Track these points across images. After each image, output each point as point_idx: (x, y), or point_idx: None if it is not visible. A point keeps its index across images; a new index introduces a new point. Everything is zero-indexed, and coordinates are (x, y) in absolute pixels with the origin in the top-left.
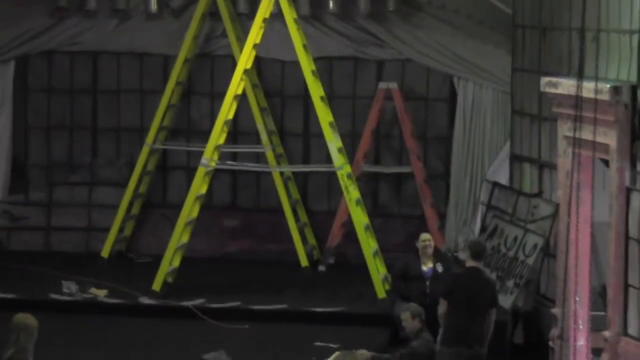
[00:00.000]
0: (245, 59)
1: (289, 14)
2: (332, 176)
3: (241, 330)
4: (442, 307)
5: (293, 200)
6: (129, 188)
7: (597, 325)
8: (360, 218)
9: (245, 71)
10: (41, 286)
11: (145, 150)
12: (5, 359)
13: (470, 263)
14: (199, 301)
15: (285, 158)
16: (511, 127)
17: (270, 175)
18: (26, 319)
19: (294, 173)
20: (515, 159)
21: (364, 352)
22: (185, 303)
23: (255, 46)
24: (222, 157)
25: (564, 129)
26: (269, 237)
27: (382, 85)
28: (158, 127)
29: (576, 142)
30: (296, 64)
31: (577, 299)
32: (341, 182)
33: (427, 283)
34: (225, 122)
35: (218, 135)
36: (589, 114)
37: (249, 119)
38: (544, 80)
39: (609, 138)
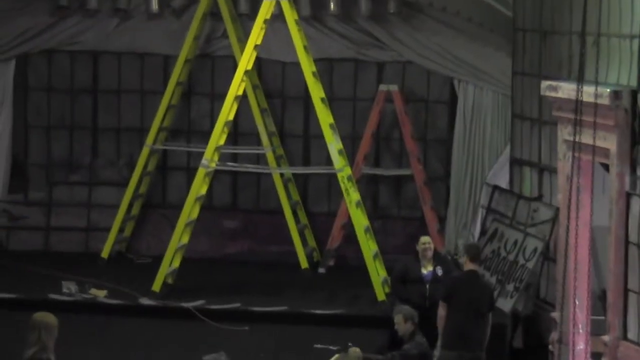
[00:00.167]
0: (246, 60)
1: (290, 15)
2: (332, 178)
3: (241, 332)
4: (441, 311)
5: (293, 201)
6: (129, 188)
7: (596, 330)
8: (360, 220)
9: (246, 72)
10: (40, 286)
11: (145, 151)
12: (28, 357)
13: (468, 266)
14: (198, 302)
15: (286, 159)
16: (511, 130)
17: (271, 177)
18: (46, 317)
19: (294, 174)
20: (516, 163)
21: (356, 350)
22: (185, 304)
23: (256, 47)
24: (223, 158)
25: (564, 133)
26: (269, 239)
27: (383, 87)
28: (158, 127)
29: (576, 146)
30: (297, 65)
31: (577, 302)
32: (341, 184)
33: (427, 286)
34: (226, 123)
35: (218, 136)
36: (589, 118)
37: (250, 120)
38: (545, 84)
39: (609, 142)
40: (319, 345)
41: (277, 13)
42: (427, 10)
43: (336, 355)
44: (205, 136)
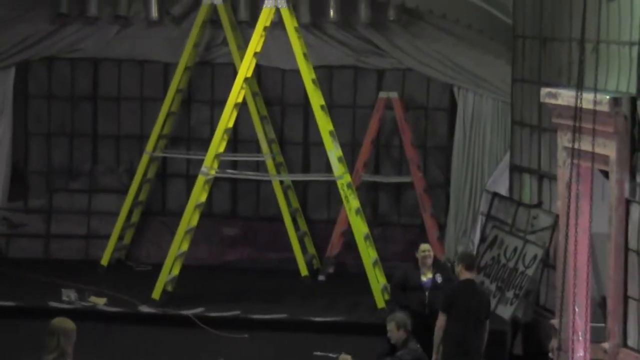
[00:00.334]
0: (245, 67)
1: (290, 23)
2: (332, 185)
3: (240, 339)
4: (440, 321)
5: (293, 209)
6: (129, 196)
7: (596, 337)
8: (360, 227)
9: (246, 79)
10: (40, 294)
11: (145, 158)
12: None
13: (465, 275)
14: (198, 310)
15: (285, 167)
16: (511, 137)
17: (270, 184)
18: (64, 322)
19: (293, 182)
20: (515, 170)
21: (347, 358)
22: (184, 312)
23: (255, 54)
24: (222, 165)
25: (564, 140)
26: (269, 246)
27: (383, 94)
28: (158, 134)
29: (576, 153)
30: (296, 72)
31: (577, 310)
32: (341, 192)
33: (427, 293)
34: (226, 130)
35: (218, 143)
36: (588, 125)
37: (249, 128)
38: (544, 91)
39: (609, 149)
40: (318, 353)
41: (277, 20)
42: (426, 18)
43: None
44: (205, 143)
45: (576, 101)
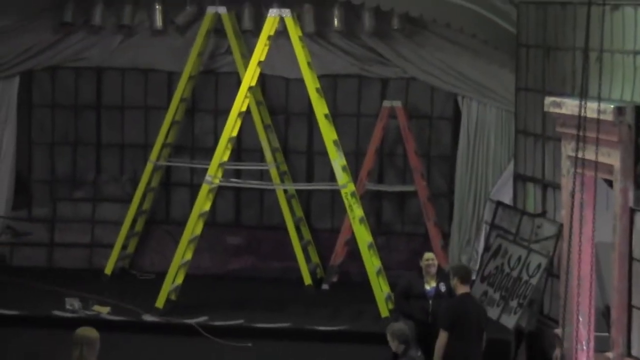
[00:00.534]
0: (249, 76)
1: (294, 32)
2: (335, 194)
3: (244, 348)
4: (442, 339)
5: (297, 218)
6: (133, 204)
7: (600, 346)
8: (363, 236)
9: (250, 88)
10: (44, 302)
11: (149, 167)
12: None
13: (461, 289)
14: (202, 319)
15: (289, 176)
16: (515, 146)
17: (274, 193)
18: (88, 331)
19: (297, 191)
20: (519, 179)
21: None
22: (188, 320)
23: (259, 63)
24: (226, 174)
25: (568, 149)
26: (273, 255)
27: (386, 103)
28: (162, 143)
29: (580, 162)
30: (301, 81)
31: (580, 319)
32: (345, 200)
33: (430, 302)
34: (230, 139)
35: (222, 152)
36: (592, 134)
37: (253, 136)
38: (548, 100)
39: (613, 158)
40: None
41: (281, 29)
42: (430, 27)
43: None
44: (209, 152)
45: (580, 110)
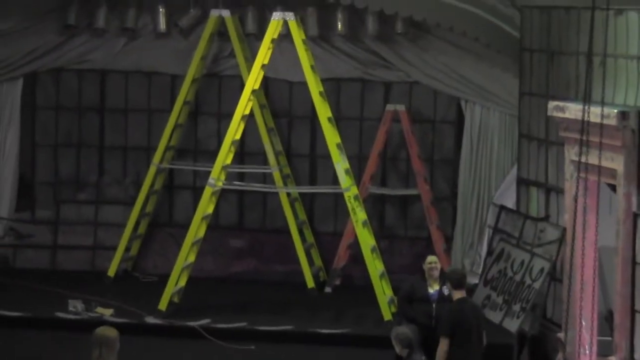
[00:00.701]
0: (253, 80)
1: (298, 35)
2: (339, 197)
3: (247, 351)
4: (443, 346)
5: (300, 221)
6: (136, 207)
7: (603, 351)
8: (366, 240)
9: (253, 91)
10: (47, 304)
11: (152, 170)
12: None
13: (456, 294)
14: (204, 321)
15: (292, 179)
16: (518, 150)
17: (277, 196)
18: (106, 331)
19: (300, 194)
20: (522, 183)
21: None
22: (191, 323)
23: (263, 67)
24: (229, 177)
25: (571, 153)
26: (275, 258)
27: (390, 107)
28: (165, 146)
29: (583, 167)
30: (304, 84)
31: (583, 323)
32: (348, 204)
33: (433, 305)
34: (233, 142)
35: (225, 155)
36: (596, 139)
37: (257, 140)
38: (552, 104)
39: (616, 163)
40: None
41: (285, 33)
42: (434, 31)
43: None
44: (212, 155)
45: (583, 115)
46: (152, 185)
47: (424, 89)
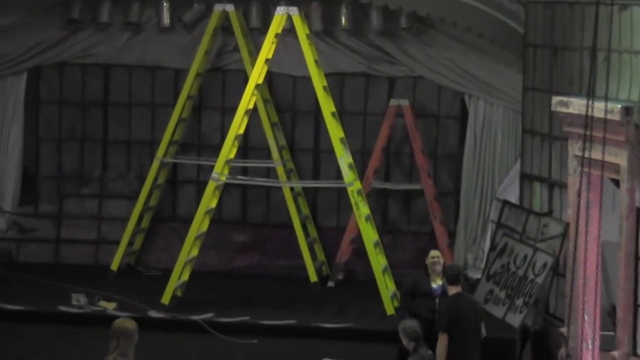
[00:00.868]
0: (257, 74)
1: (301, 30)
2: (342, 192)
3: (250, 345)
4: (443, 341)
5: (303, 215)
6: (139, 201)
7: (605, 345)
8: (369, 234)
9: (257, 86)
10: (50, 298)
11: (155, 164)
12: None
13: (452, 290)
14: (207, 315)
15: (296, 173)
16: (522, 145)
17: (280, 191)
18: (124, 322)
19: (304, 188)
20: (526, 178)
21: None
22: (194, 317)
23: (267, 61)
24: (233, 171)
25: (575, 149)
26: (279, 252)
27: (393, 102)
28: (169, 140)
29: (587, 162)
30: (308, 79)
31: (586, 318)
32: (351, 198)
33: (436, 300)
34: (236, 137)
35: (229, 149)
36: (599, 134)
37: (260, 134)
38: (555, 99)
39: (620, 158)
40: (327, 359)
41: (289, 27)
42: (438, 26)
43: None
44: (216, 150)
45: (587, 110)
46: (155, 179)
47: (428, 84)
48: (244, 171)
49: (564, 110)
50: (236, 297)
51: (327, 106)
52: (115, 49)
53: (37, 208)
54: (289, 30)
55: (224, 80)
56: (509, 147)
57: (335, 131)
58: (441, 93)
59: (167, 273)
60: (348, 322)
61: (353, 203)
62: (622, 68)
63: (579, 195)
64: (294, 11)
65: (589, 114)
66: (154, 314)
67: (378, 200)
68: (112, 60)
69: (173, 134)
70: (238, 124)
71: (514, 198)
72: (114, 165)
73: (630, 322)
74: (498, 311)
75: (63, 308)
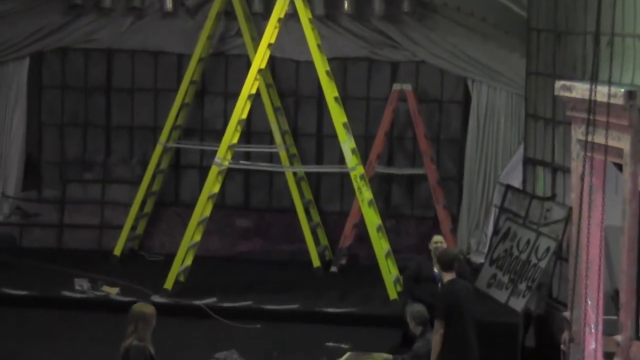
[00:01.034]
0: (259, 59)
1: (304, 14)
2: (345, 177)
3: (253, 330)
4: (440, 329)
5: (306, 200)
6: (142, 186)
7: (608, 329)
8: (372, 219)
9: (260, 71)
10: (53, 283)
11: (158, 149)
12: (124, 348)
13: (446, 277)
14: (210, 300)
15: (299, 158)
16: (525, 130)
17: (283, 175)
18: (143, 307)
19: (307, 173)
20: (529, 162)
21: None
22: (197, 302)
23: (269, 46)
24: (236, 156)
25: (578, 133)
26: (282, 237)
27: (396, 86)
28: (172, 125)
29: (590, 146)
30: (310, 64)
31: (589, 302)
32: (354, 183)
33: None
34: (239, 122)
35: (231, 134)
36: (602, 118)
37: (263, 119)
38: (558, 83)
39: (623, 142)
40: (330, 344)
41: (291, 12)
42: (441, 10)
43: (348, 354)
44: (219, 135)
45: (590, 94)
46: (158, 164)
47: (431, 69)
48: (247, 156)
49: (567, 94)
50: (239, 282)
51: (330, 91)
52: (117, 34)
53: (40, 193)
54: (292, 15)
55: (226, 65)
56: (512, 131)
57: (338, 116)
58: (444, 78)
59: (170, 258)
60: (351, 306)
61: (356, 188)
62: (626, 52)
63: (582, 179)
64: None
65: (592, 98)
66: (156, 298)
67: (381, 185)
68: (115, 46)
69: (176, 119)
70: (241, 109)
71: (517, 182)
72: (117, 151)
73: (633, 306)
74: (501, 295)
75: (66, 293)
